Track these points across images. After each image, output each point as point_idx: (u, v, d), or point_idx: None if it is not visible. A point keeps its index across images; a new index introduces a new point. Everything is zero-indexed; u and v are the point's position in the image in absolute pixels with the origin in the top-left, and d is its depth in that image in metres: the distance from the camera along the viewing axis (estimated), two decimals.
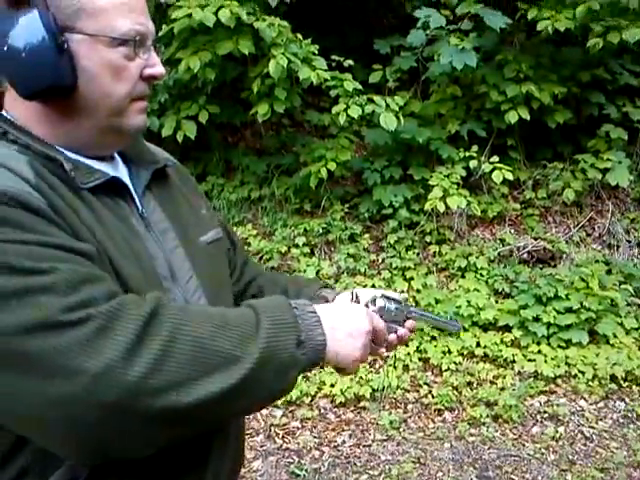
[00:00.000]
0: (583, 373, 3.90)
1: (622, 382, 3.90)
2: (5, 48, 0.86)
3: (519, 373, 3.96)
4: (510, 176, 4.42)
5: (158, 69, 0.98)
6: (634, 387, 3.91)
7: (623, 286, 4.40)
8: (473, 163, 4.50)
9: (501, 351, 4.03)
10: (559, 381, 3.92)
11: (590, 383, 3.86)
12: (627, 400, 3.84)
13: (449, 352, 4.02)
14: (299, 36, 4.09)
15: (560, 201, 4.90)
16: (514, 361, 4.00)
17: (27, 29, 0.86)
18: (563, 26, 4.24)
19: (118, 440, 0.76)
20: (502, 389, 3.82)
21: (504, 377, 3.89)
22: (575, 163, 4.84)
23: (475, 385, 3.88)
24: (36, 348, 0.70)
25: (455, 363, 3.96)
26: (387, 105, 4.16)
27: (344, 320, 0.96)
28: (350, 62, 4.42)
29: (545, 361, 3.97)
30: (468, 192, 4.50)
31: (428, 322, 1.34)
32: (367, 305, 1.12)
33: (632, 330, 4.24)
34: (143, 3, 0.97)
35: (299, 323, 0.87)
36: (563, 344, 4.08)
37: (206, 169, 4.79)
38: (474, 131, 4.74)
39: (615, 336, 4.13)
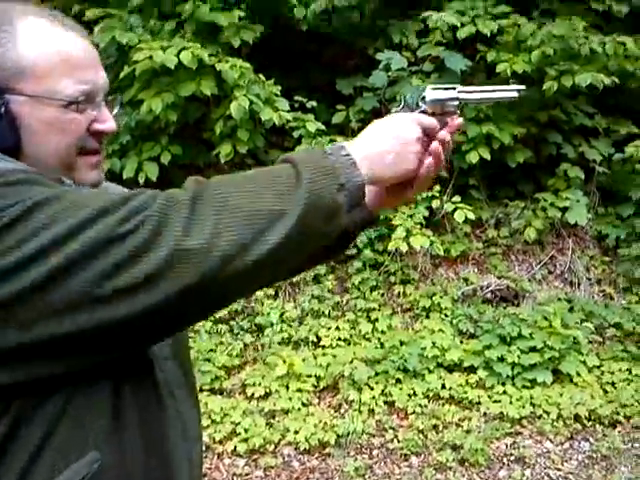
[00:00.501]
0: (548, 413, 3.90)
1: (586, 422, 3.91)
2: None
3: (485, 415, 3.94)
4: (472, 215, 4.47)
5: (108, 125, 0.96)
6: (597, 426, 3.93)
7: (584, 324, 4.45)
8: (435, 203, 4.54)
9: (466, 392, 4.01)
10: (525, 422, 3.90)
11: (555, 423, 3.86)
12: (591, 440, 3.84)
13: (414, 395, 3.99)
14: (261, 77, 4.10)
15: (522, 239, 4.95)
16: (479, 402, 3.98)
17: None
18: (520, 69, 4.35)
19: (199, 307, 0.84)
20: (468, 432, 3.79)
21: (470, 419, 3.87)
22: (536, 202, 4.92)
23: (441, 428, 3.84)
24: (109, 262, 0.75)
25: (421, 406, 3.92)
26: None
27: (387, 140, 0.96)
28: (313, 103, 4.45)
29: (510, 402, 3.96)
30: (431, 232, 4.53)
31: (487, 101, 1.23)
32: (418, 104, 1.06)
33: (594, 368, 4.28)
34: (92, 57, 0.94)
35: (336, 167, 0.87)
36: (528, 384, 4.08)
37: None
38: None
39: (578, 375, 4.16)
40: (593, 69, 4.43)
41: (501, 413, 3.88)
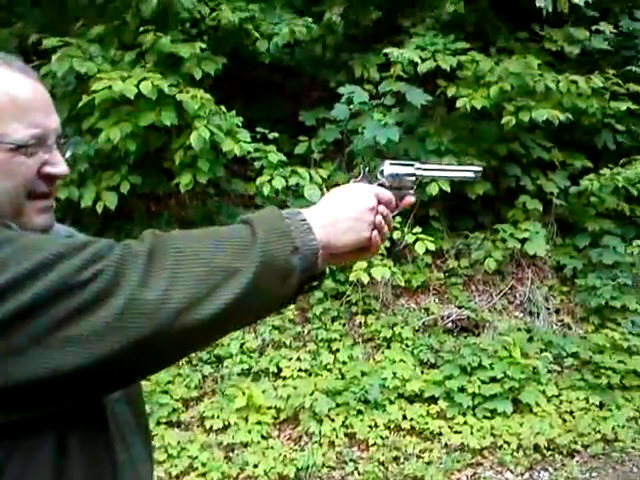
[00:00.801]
0: (508, 444, 3.92)
1: (545, 451, 3.94)
2: None
3: (446, 446, 3.93)
4: (432, 246, 4.51)
5: (59, 168, 0.94)
6: (557, 456, 3.95)
7: (544, 353, 4.50)
8: (397, 234, 4.57)
9: (427, 423, 4.00)
10: (485, 453, 3.91)
11: (515, 454, 3.87)
12: (550, 470, 3.86)
13: (375, 426, 3.96)
14: (223, 108, 4.11)
15: (482, 270, 5.01)
16: (441, 433, 3.98)
17: None
18: (480, 104, 4.45)
19: (139, 359, 0.81)
20: (429, 463, 3.78)
21: (431, 450, 3.86)
22: (495, 233, 4.99)
23: (402, 460, 3.82)
24: (64, 310, 0.74)
25: (382, 437, 3.89)
26: (311, 177, 4.20)
27: (343, 208, 0.98)
28: (275, 134, 4.47)
29: (471, 432, 3.96)
30: (392, 262, 4.55)
31: (443, 176, 1.29)
32: (377, 176, 1.10)
33: (553, 397, 4.32)
34: (43, 100, 0.93)
35: (292, 230, 0.89)
36: (488, 414, 4.10)
37: (128, 239, 4.67)
38: None
39: (537, 404, 4.19)
40: (548, 105, 4.57)
41: (462, 444, 3.88)
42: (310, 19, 4.31)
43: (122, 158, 4.29)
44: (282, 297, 0.90)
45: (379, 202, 1.02)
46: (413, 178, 1.13)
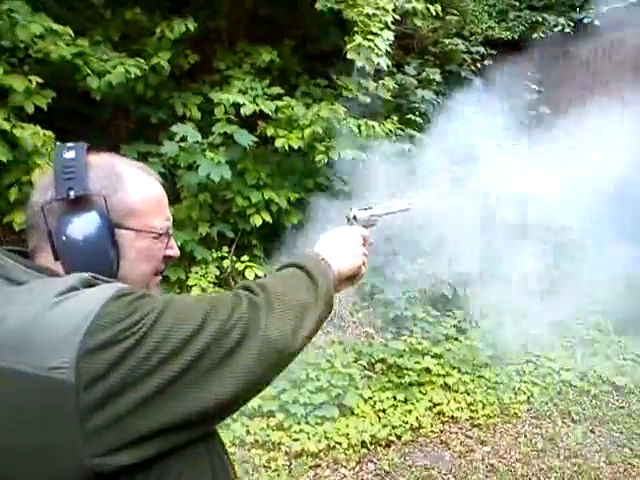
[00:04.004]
0: (340, 444, 4.45)
1: (370, 446, 4.55)
2: (64, 238, 1.02)
3: (287, 453, 4.34)
4: (260, 272, 4.92)
5: (176, 251, 1.20)
6: (378, 448, 4.59)
7: (358, 362, 5.16)
8: (225, 262, 4.90)
9: (269, 435, 4.38)
10: (322, 455, 4.40)
11: (347, 452, 4.42)
12: (375, 460, 4.48)
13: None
14: (59, 144, 4.06)
15: None
16: (282, 443, 4.38)
17: (88, 225, 1.02)
18: (296, 144, 5.00)
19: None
20: (276, 471, 4.15)
21: (276, 460, 4.23)
22: None
23: (252, 471, 4.14)
24: (223, 350, 0.97)
25: (230, 453, 4.15)
26: None
27: (343, 248, 1.35)
28: None
29: (308, 438, 4.42)
30: (223, 289, 4.87)
31: (391, 213, 1.69)
32: (355, 218, 1.53)
33: (369, 399, 4.98)
34: (165, 196, 1.17)
35: (326, 269, 1.24)
36: (319, 420, 4.60)
37: None
38: (223, 233, 5.16)
39: (358, 407, 4.81)
40: (352, 145, 5.28)
41: (302, 449, 4.32)
42: (142, 60, 4.45)
43: None
44: (329, 314, 1.23)
45: (362, 238, 1.45)
46: (375, 217, 1.59)
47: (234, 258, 4.98)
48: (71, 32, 4.08)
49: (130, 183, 1.10)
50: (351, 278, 1.40)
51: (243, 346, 0.98)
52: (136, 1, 5.25)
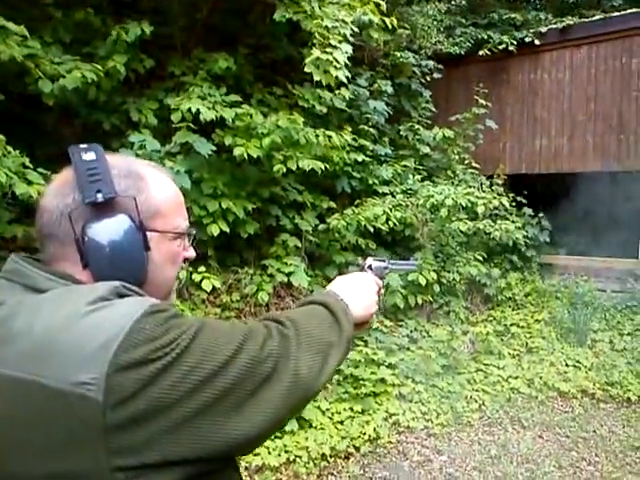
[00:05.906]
0: (300, 457, 4.41)
1: (329, 458, 4.53)
2: (94, 244, 0.95)
3: (247, 469, 4.26)
4: (218, 283, 4.82)
5: (192, 253, 1.13)
6: (338, 460, 4.58)
7: None
8: (182, 273, 4.78)
9: None
10: (282, 469, 4.34)
11: (307, 465, 4.38)
12: (335, 473, 4.46)
13: None
14: (9, 148, 3.87)
15: (253, 302, 5.48)
16: (241, 458, 4.29)
17: (120, 230, 0.97)
18: (255, 153, 4.93)
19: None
20: None
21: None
22: (264, 268, 5.51)
23: None
24: (255, 381, 0.93)
25: None
26: None
27: (360, 293, 1.34)
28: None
29: (269, 453, 4.36)
30: (178, 301, 4.74)
31: (400, 270, 1.78)
32: (370, 267, 1.55)
33: (326, 411, 4.97)
34: (182, 195, 1.11)
35: (346, 309, 1.22)
36: (279, 434, 4.54)
37: None
38: None
39: (316, 419, 4.78)
40: (310, 155, 5.26)
41: (263, 464, 4.26)
42: (99, 66, 4.29)
43: None
44: (349, 351, 1.23)
45: (378, 288, 1.46)
46: (387, 270, 1.64)
47: (190, 269, 4.86)
48: (26, 32, 3.87)
49: (152, 183, 1.04)
50: (362, 324, 1.38)
51: (274, 380, 0.95)
52: (85, 2, 5.07)
